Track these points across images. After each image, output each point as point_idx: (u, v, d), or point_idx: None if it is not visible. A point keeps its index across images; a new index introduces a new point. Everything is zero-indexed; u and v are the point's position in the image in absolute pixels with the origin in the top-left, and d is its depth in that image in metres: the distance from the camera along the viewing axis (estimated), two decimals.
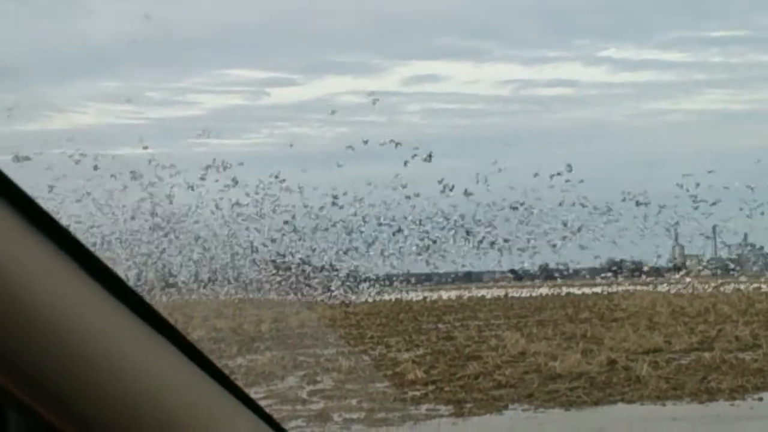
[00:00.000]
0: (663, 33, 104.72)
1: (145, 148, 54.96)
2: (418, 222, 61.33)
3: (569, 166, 58.28)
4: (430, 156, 57.41)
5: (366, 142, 57.01)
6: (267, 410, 1.77)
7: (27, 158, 47.57)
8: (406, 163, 57.55)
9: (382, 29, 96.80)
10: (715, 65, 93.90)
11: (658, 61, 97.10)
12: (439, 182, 58.71)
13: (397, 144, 57.28)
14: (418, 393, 22.86)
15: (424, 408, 21.26)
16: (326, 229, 60.22)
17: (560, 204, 61.07)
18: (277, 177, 57.75)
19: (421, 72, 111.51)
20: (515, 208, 61.12)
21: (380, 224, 61.06)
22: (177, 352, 1.52)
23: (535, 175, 59.80)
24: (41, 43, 69.72)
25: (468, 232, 62.16)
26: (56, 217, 1.42)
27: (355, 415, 20.49)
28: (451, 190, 59.50)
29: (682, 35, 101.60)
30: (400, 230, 61.36)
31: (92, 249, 1.45)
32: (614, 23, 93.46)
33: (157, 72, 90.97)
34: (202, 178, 56.03)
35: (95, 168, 51.46)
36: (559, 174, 58.67)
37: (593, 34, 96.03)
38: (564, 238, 62.44)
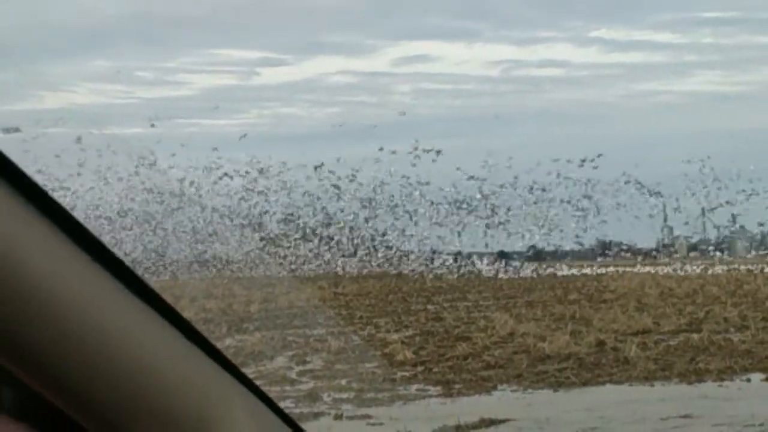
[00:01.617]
0: (655, 14, 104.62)
1: (153, 125, 55.07)
2: (409, 203, 61.47)
3: (600, 154, 58.48)
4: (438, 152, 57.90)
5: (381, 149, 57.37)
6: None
7: (17, 129, 47.28)
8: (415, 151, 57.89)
9: (373, 9, 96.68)
10: (706, 46, 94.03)
11: (650, 42, 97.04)
12: (424, 151, 58.87)
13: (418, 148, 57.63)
14: (407, 373, 22.91)
15: (413, 388, 21.31)
16: (320, 208, 60.33)
17: (550, 185, 61.33)
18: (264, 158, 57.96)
19: (412, 52, 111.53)
20: (505, 188, 61.33)
21: (371, 204, 61.19)
22: (171, 327, 1.53)
23: (528, 157, 60.13)
24: (32, 20, 69.46)
25: (457, 213, 62.33)
26: (52, 194, 1.42)
27: (344, 395, 20.54)
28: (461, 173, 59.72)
29: (674, 16, 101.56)
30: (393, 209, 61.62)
31: (86, 225, 1.45)
32: (606, 4, 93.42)
33: (148, 51, 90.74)
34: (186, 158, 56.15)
35: (85, 145, 51.50)
36: (569, 161, 59.07)
37: (584, 15, 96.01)
38: (553, 218, 62.69)
